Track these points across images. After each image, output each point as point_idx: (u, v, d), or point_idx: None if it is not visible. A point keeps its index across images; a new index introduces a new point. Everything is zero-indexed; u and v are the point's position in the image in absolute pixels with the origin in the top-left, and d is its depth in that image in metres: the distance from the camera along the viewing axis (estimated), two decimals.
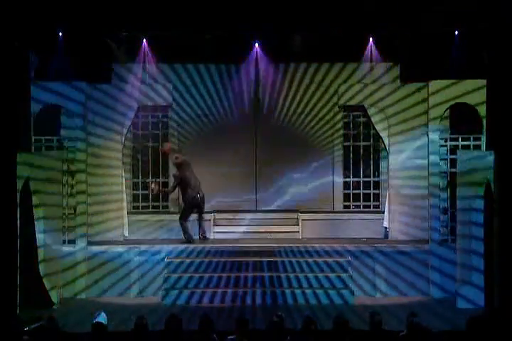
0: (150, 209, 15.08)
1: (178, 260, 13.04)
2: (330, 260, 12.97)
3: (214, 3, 11.98)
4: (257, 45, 13.47)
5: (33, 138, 12.98)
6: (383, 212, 14.36)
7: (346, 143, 15.17)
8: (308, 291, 12.51)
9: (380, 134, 14.44)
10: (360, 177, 15.22)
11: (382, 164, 14.89)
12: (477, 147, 13.21)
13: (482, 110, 12.79)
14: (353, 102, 14.55)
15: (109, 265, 13.16)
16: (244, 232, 14.36)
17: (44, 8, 11.64)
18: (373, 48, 13.46)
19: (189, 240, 13.50)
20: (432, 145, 13.34)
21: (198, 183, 13.69)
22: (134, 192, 15.05)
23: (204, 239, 13.90)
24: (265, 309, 11.84)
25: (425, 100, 13.47)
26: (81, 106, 13.39)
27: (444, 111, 13.36)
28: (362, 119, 15.06)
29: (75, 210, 13.41)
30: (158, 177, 15.12)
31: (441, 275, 12.97)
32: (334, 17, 12.18)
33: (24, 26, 11.52)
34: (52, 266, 12.42)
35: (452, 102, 13.24)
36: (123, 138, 14.15)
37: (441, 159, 13.36)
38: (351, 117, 15.13)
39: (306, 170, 14.95)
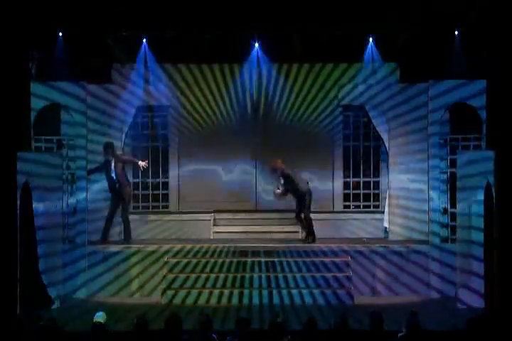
0: (150, 209, 15.09)
1: (177, 259, 13.05)
2: (329, 260, 12.96)
3: (214, 3, 11.97)
4: (256, 45, 13.46)
5: (33, 138, 12.96)
6: (383, 212, 14.36)
7: (347, 144, 15.17)
8: (307, 292, 12.50)
9: (381, 135, 14.44)
10: (360, 177, 15.23)
11: (382, 164, 14.89)
12: (477, 147, 13.20)
13: (482, 111, 12.78)
14: (353, 103, 14.55)
15: (109, 264, 13.15)
16: (243, 232, 14.36)
17: (44, 8, 11.65)
18: (373, 49, 13.46)
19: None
20: (432, 146, 13.33)
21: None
22: (134, 192, 15.04)
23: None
24: (264, 309, 11.83)
25: (426, 101, 13.44)
26: (82, 103, 13.39)
27: (445, 112, 13.35)
28: (362, 120, 15.07)
29: (74, 208, 13.41)
30: (158, 177, 15.17)
31: (440, 276, 12.95)
32: (334, 17, 12.19)
33: (24, 26, 11.51)
34: (51, 264, 12.41)
35: (452, 103, 13.23)
36: (123, 136, 14.15)
37: (441, 159, 13.35)
38: (352, 118, 15.13)
39: (306, 170, 14.91)
